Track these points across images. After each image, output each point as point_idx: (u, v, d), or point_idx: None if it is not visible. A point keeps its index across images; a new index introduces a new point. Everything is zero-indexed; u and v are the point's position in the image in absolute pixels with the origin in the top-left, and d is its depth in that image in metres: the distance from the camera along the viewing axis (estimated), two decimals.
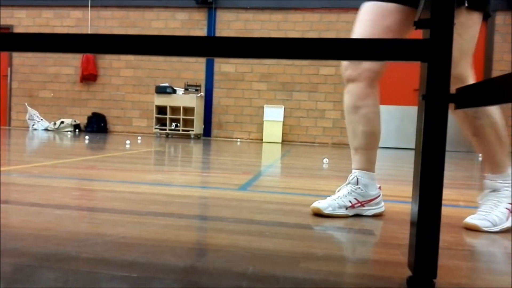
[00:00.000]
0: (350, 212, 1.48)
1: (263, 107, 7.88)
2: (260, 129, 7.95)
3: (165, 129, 7.67)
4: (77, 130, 8.25)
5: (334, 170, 3.14)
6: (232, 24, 7.99)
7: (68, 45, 0.86)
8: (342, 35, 7.32)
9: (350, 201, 1.47)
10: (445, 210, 1.68)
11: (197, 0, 7.84)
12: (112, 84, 8.43)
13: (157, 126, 7.69)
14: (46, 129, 8.15)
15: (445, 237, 1.25)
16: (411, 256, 0.84)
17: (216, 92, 8.10)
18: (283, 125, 7.78)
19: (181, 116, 7.59)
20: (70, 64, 8.55)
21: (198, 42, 0.83)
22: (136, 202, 1.57)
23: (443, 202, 1.91)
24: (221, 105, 8.10)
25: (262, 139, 7.86)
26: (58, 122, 8.10)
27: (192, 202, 1.62)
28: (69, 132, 7.70)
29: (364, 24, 1.43)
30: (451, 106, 0.85)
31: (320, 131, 7.83)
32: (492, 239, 1.25)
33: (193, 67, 8.18)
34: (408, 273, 0.91)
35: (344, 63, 1.47)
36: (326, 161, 3.77)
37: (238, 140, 7.92)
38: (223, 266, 0.91)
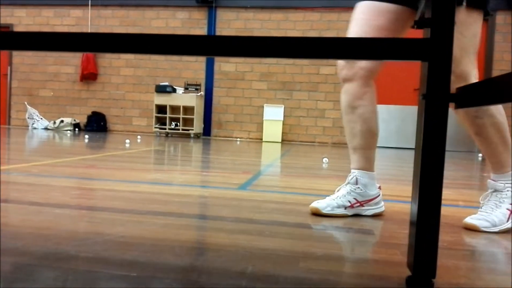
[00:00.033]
0: (349, 212, 1.48)
1: (263, 107, 7.88)
2: (260, 129, 7.96)
3: (165, 128, 7.67)
4: (76, 129, 8.25)
5: (334, 169, 3.14)
6: (232, 23, 7.99)
7: (68, 44, 0.86)
8: (343, 34, 7.32)
9: (349, 201, 1.47)
10: (444, 210, 1.68)
11: None
12: (112, 83, 8.43)
13: (157, 125, 7.69)
14: (46, 128, 8.15)
15: (444, 237, 1.25)
16: (410, 255, 0.84)
17: (216, 91, 8.10)
18: (283, 124, 7.78)
19: (181, 115, 7.59)
20: (70, 63, 8.55)
21: (198, 41, 0.83)
22: (135, 201, 1.57)
23: (443, 202, 1.91)
24: (221, 104, 8.10)
25: (262, 139, 7.86)
26: (58, 121, 8.10)
27: (191, 201, 1.62)
28: (68, 131, 7.70)
29: (359, 23, 1.43)
30: (452, 105, 0.85)
31: (320, 130, 7.83)
32: (492, 239, 1.25)
33: (193, 66, 8.18)
34: (408, 272, 0.91)
35: (340, 63, 1.48)
36: (326, 160, 3.77)
37: (238, 139, 7.92)
38: (222, 266, 0.91)
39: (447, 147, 6.89)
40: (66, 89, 8.59)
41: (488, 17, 1.33)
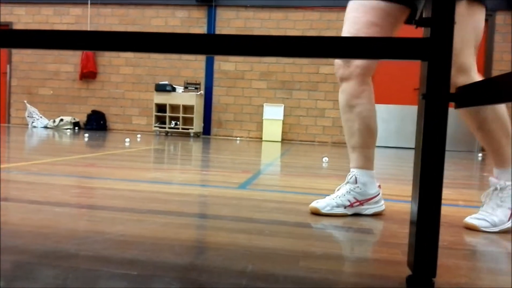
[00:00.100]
0: (349, 211, 1.48)
1: (262, 106, 7.88)
2: (260, 128, 7.95)
3: (165, 127, 7.66)
4: (76, 127, 8.25)
5: (334, 169, 3.14)
6: (232, 22, 7.98)
7: (68, 42, 0.86)
8: None
9: (348, 200, 1.47)
10: (444, 210, 1.68)
11: None
12: (112, 81, 8.42)
13: (156, 124, 7.69)
14: (46, 127, 8.15)
15: (444, 236, 1.25)
16: (410, 255, 0.84)
17: (216, 91, 8.10)
18: (283, 123, 7.78)
19: (181, 114, 7.59)
20: (70, 61, 8.54)
21: (198, 40, 0.83)
22: (135, 200, 1.57)
23: (443, 201, 1.92)
24: (221, 104, 8.10)
25: (261, 138, 7.86)
26: (57, 120, 8.10)
27: (191, 200, 1.62)
28: (68, 130, 7.69)
29: (350, 21, 1.45)
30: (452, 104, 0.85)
31: (320, 130, 7.83)
32: (492, 239, 1.25)
33: (192, 65, 8.17)
34: (408, 272, 0.91)
35: (337, 62, 1.48)
36: (325, 160, 3.77)
37: (238, 138, 7.92)
38: (222, 264, 0.91)
39: (447, 147, 6.89)
40: (65, 88, 8.58)
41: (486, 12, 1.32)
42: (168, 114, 7.59)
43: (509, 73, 0.65)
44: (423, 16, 0.83)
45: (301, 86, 7.85)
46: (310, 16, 7.75)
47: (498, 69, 7.31)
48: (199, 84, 7.68)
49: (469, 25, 1.28)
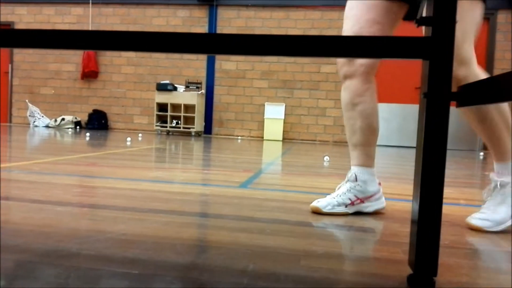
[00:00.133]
0: (350, 210, 1.48)
1: (264, 105, 7.88)
2: (261, 127, 7.95)
3: (166, 127, 7.67)
4: (78, 127, 8.26)
5: (335, 168, 3.14)
6: (233, 21, 7.98)
7: (69, 42, 0.86)
8: None
9: (349, 199, 1.47)
10: (446, 209, 1.68)
11: None
12: (113, 81, 8.43)
13: (158, 124, 7.69)
14: (47, 126, 8.16)
15: (446, 235, 1.25)
16: (411, 254, 0.84)
17: (217, 90, 8.10)
18: (284, 123, 7.78)
19: (182, 114, 7.59)
20: (71, 61, 8.55)
21: (199, 39, 0.83)
22: (137, 199, 1.57)
23: (444, 200, 1.91)
24: (222, 103, 8.10)
25: (263, 137, 7.86)
26: (59, 119, 8.11)
27: (193, 200, 1.62)
28: (70, 129, 7.70)
29: (352, 19, 1.44)
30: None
31: (321, 129, 7.83)
32: (493, 238, 1.25)
33: (194, 65, 8.17)
34: (409, 271, 0.91)
35: (340, 60, 1.48)
36: (327, 159, 3.77)
37: (239, 137, 7.92)
38: (223, 263, 0.91)
39: (449, 146, 6.88)
40: (67, 87, 8.59)
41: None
42: (169, 113, 7.60)
43: (510, 72, 0.65)
44: (424, 15, 0.82)
45: (302, 85, 7.84)
46: (312, 15, 7.75)
47: (499, 67, 7.29)
48: (200, 83, 7.68)
49: (469, 18, 1.28)
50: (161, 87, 7.53)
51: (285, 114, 7.78)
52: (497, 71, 7.30)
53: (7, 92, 8.77)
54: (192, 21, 8.11)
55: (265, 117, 7.66)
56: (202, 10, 8.06)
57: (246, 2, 7.88)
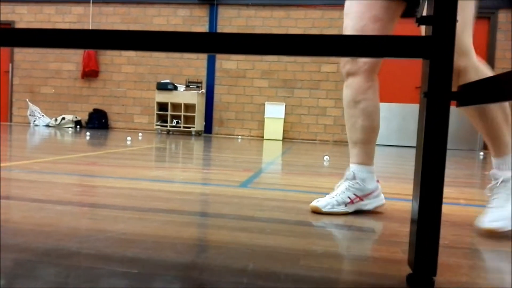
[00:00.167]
0: (350, 208, 1.48)
1: (264, 104, 7.88)
2: (261, 126, 7.95)
3: (166, 126, 7.67)
4: (78, 126, 8.26)
5: (335, 167, 3.14)
6: (234, 20, 7.98)
7: (70, 41, 0.86)
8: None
9: (349, 197, 1.47)
10: (445, 208, 1.68)
11: None
12: (113, 80, 8.43)
13: (158, 123, 7.69)
14: (47, 125, 8.16)
15: (445, 235, 1.25)
16: (411, 253, 0.84)
17: (217, 89, 8.10)
18: (284, 122, 7.78)
19: (182, 113, 7.60)
20: (72, 60, 8.55)
21: (199, 38, 0.83)
22: (137, 198, 1.57)
23: (444, 200, 1.91)
24: (222, 102, 8.10)
25: (263, 136, 7.86)
26: (59, 118, 8.11)
27: (193, 199, 1.62)
28: (70, 128, 7.70)
29: (354, 16, 1.45)
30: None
31: (321, 128, 7.83)
32: (493, 237, 1.25)
33: (194, 64, 8.17)
34: (408, 270, 0.91)
35: (343, 58, 1.48)
36: (327, 158, 3.77)
37: (239, 137, 7.92)
38: (223, 263, 0.91)
39: (448, 145, 6.88)
40: (67, 86, 8.60)
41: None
42: (169, 112, 7.60)
43: (511, 71, 0.65)
44: (425, 14, 0.82)
45: (302, 85, 7.84)
46: (312, 15, 7.74)
47: (500, 67, 7.29)
48: (200, 82, 7.68)
49: (468, 9, 1.28)
50: (162, 87, 7.53)
51: (285, 114, 7.78)
52: (497, 71, 7.30)
53: (7, 91, 8.77)
54: (192, 20, 8.11)
55: (265, 116, 7.66)
56: (202, 9, 8.06)
57: (247, 1, 7.88)
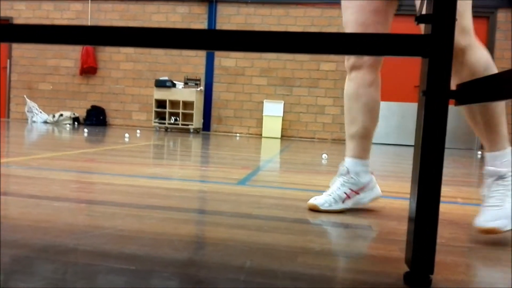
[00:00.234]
0: (348, 204, 1.48)
1: (263, 102, 7.87)
2: (260, 124, 7.95)
3: (164, 123, 7.66)
4: (76, 123, 8.24)
5: (333, 165, 3.14)
6: (233, 18, 7.96)
7: (68, 37, 0.86)
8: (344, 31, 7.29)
9: (345, 192, 1.48)
10: (443, 207, 1.68)
11: None
12: (112, 77, 8.41)
13: (156, 120, 7.68)
14: (45, 122, 8.14)
15: (443, 233, 1.25)
16: (408, 252, 0.84)
17: (216, 87, 8.09)
18: (283, 120, 7.77)
19: (181, 110, 7.59)
20: (70, 56, 8.53)
21: (198, 35, 0.83)
22: (135, 195, 1.57)
23: (442, 198, 1.92)
24: (221, 100, 8.09)
25: (261, 134, 7.86)
26: (57, 115, 8.09)
27: (191, 196, 1.62)
28: (68, 125, 7.69)
29: (355, 10, 1.45)
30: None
31: (320, 126, 7.83)
32: (491, 236, 1.25)
33: (193, 61, 8.16)
34: (406, 268, 0.91)
35: None
36: (325, 156, 3.77)
37: (238, 134, 7.92)
38: (221, 260, 0.91)
39: (446, 144, 6.89)
40: (65, 83, 8.57)
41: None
42: (168, 110, 7.59)
43: (509, 70, 0.65)
44: (424, 12, 0.82)
45: (301, 83, 7.84)
46: (311, 13, 7.73)
47: (499, 66, 7.30)
48: (199, 80, 7.67)
49: None
50: (160, 84, 7.52)
51: (284, 112, 7.78)
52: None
53: (5, 87, 8.74)
54: (191, 18, 8.09)
55: (264, 114, 7.65)
56: (201, 6, 8.04)
57: None
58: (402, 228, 1.31)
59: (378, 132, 7.16)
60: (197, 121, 7.68)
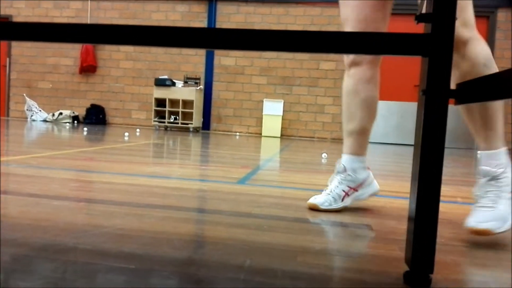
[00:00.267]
0: (347, 201, 1.48)
1: (262, 101, 7.87)
2: (259, 123, 7.95)
3: (164, 122, 7.66)
4: (75, 121, 8.24)
5: (333, 165, 3.14)
6: (233, 17, 7.96)
7: (68, 35, 0.85)
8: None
9: (343, 190, 1.48)
10: (443, 206, 1.68)
11: None
12: (111, 75, 8.40)
13: (156, 119, 7.68)
14: (45, 120, 8.14)
15: (442, 233, 1.25)
16: (408, 251, 0.84)
17: (216, 86, 8.09)
18: (283, 119, 7.77)
19: (180, 109, 7.58)
20: (69, 55, 8.52)
21: (198, 34, 0.82)
22: (134, 194, 1.57)
23: (441, 198, 1.92)
24: (221, 99, 8.09)
25: (261, 133, 7.86)
26: (56, 113, 8.09)
27: (190, 195, 1.62)
28: (67, 124, 7.68)
29: (356, 6, 1.44)
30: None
31: (320, 126, 7.83)
32: (490, 236, 1.25)
33: (192, 60, 8.15)
34: (405, 268, 0.91)
35: None
36: (325, 156, 3.77)
37: (237, 133, 7.92)
38: (220, 259, 0.91)
39: (446, 144, 6.90)
40: (65, 81, 8.56)
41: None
42: (167, 108, 7.59)
43: (509, 70, 0.65)
44: (424, 11, 0.82)
45: (301, 82, 7.84)
46: (311, 12, 7.73)
47: (499, 66, 7.27)
48: (199, 79, 7.67)
49: None
50: (160, 82, 7.51)
51: (283, 111, 7.78)
52: None
53: (4, 85, 8.73)
54: (191, 16, 8.08)
55: (263, 113, 7.65)
56: (201, 5, 8.03)
57: None
58: (402, 227, 1.31)
59: (378, 131, 7.16)
60: (196, 120, 7.67)
